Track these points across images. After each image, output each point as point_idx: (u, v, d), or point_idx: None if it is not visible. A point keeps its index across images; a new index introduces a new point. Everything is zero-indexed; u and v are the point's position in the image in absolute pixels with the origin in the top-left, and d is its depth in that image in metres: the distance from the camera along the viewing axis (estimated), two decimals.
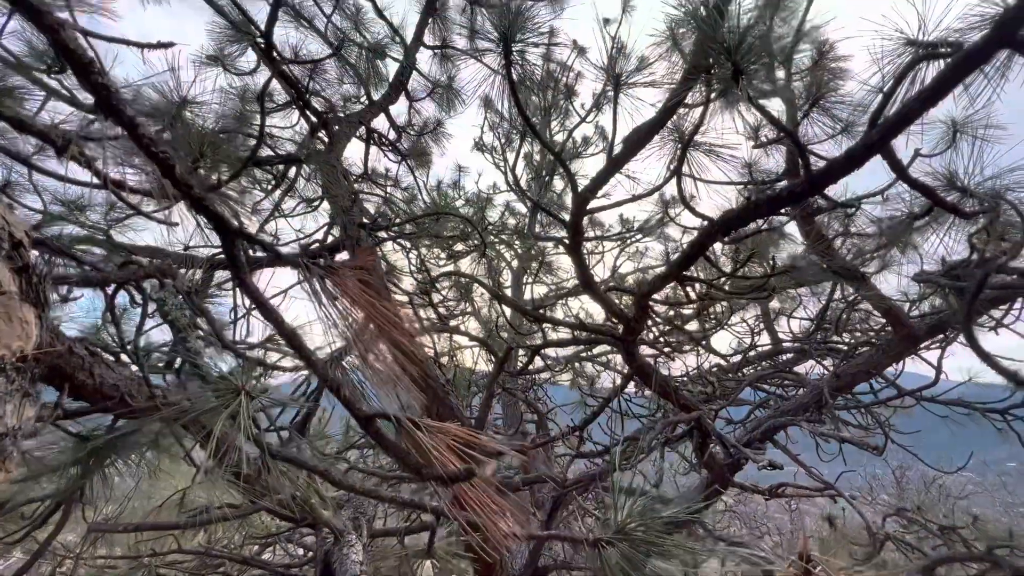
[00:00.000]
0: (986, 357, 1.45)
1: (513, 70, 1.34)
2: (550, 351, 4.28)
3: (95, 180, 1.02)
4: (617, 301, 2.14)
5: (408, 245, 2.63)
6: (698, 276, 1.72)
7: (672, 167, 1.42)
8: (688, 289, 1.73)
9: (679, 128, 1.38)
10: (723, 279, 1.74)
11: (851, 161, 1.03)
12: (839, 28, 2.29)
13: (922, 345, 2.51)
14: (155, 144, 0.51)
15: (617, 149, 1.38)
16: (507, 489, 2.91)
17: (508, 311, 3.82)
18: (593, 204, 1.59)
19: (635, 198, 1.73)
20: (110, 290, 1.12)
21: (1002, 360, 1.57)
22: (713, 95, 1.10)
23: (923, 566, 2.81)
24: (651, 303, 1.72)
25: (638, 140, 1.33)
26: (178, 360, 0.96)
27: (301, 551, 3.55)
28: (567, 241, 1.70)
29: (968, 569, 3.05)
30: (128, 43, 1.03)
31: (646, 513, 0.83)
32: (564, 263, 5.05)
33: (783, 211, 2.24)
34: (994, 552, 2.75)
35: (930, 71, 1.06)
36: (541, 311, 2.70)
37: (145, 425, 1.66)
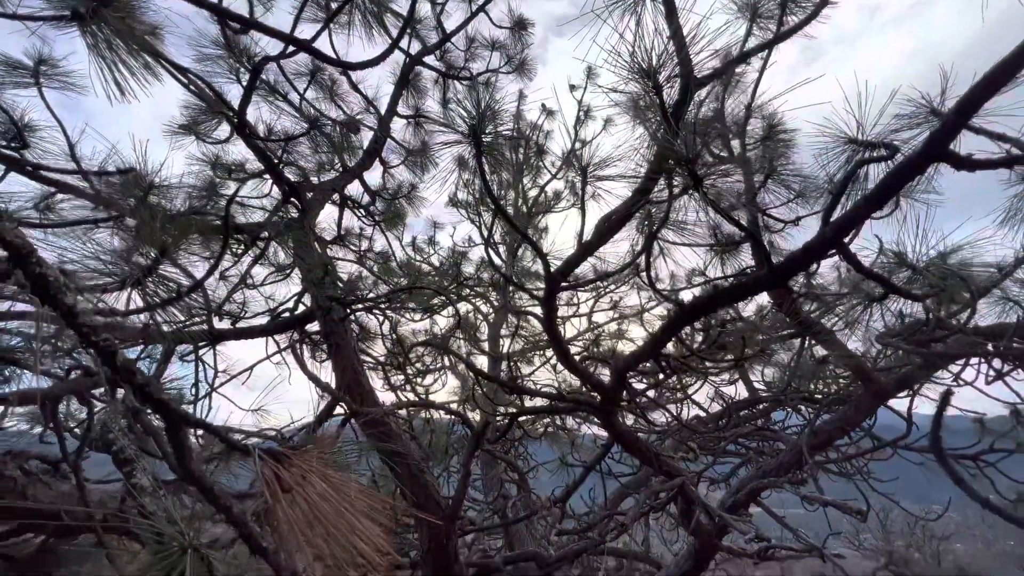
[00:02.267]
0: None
1: (484, 160, 1.38)
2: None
3: None
4: (593, 370, 2.13)
5: (381, 317, 2.59)
6: (672, 354, 1.74)
7: (639, 250, 1.47)
8: (663, 363, 1.75)
9: (648, 213, 1.43)
10: (696, 356, 1.76)
11: (809, 255, 1.08)
12: (785, 104, 2.47)
13: (891, 399, 2.57)
14: (95, 332, 0.48)
15: (588, 235, 1.42)
16: (488, 570, 2.76)
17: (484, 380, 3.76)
18: (565, 283, 1.61)
19: (603, 276, 1.76)
20: (50, 405, 1.05)
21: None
22: (676, 191, 1.16)
23: None
24: (627, 380, 1.71)
25: (608, 229, 1.37)
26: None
27: None
28: (541, 317, 1.70)
29: None
30: (86, 173, 1.01)
31: None
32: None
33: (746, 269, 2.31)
34: None
35: (872, 170, 1.14)
36: (517, 379, 2.66)
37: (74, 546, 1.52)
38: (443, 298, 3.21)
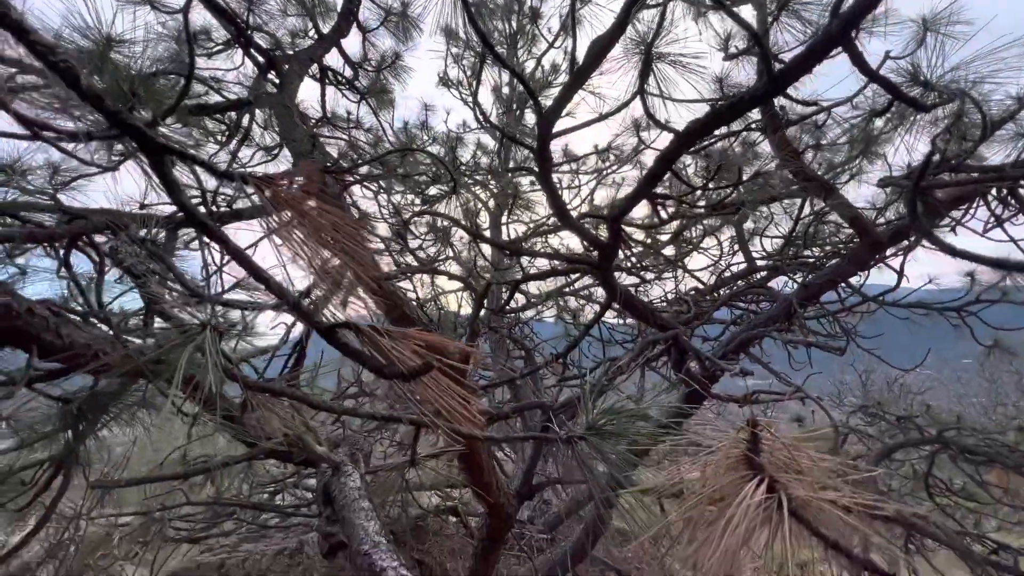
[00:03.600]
0: (950, 250, 1.52)
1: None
2: (532, 288, 4.33)
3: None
4: (592, 229, 2.15)
5: (377, 188, 2.55)
6: (669, 193, 1.72)
7: (638, 81, 1.37)
8: (660, 209, 1.74)
9: (643, 38, 1.31)
10: (693, 194, 1.74)
11: (812, 55, 1.01)
12: None
13: (886, 251, 2.60)
14: (52, 51, 0.46)
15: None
16: (496, 417, 3.04)
17: (487, 249, 3.81)
18: (561, 126, 1.55)
19: (602, 117, 1.68)
20: (62, 248, 1.08)
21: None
22: None
23: (881, 451, 3.10)
24: (624, 227, 1.73)
25: (600, 50, 1.26)
26: (141, 307, 0.95)
27: (309, 495, 3.72)
28: (536, 169, 1.67)
29: (922, 452, 3.37)
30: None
31: (616, 411, 0.89)
32: (541, 200, 4.99)
33: (752, 123, 2.21)
34: (943, 435, 3.04)
35: None
36: (518, 246, 2.69)
37: (126, 385, 1.66)
38: (437, 172, 3.14)
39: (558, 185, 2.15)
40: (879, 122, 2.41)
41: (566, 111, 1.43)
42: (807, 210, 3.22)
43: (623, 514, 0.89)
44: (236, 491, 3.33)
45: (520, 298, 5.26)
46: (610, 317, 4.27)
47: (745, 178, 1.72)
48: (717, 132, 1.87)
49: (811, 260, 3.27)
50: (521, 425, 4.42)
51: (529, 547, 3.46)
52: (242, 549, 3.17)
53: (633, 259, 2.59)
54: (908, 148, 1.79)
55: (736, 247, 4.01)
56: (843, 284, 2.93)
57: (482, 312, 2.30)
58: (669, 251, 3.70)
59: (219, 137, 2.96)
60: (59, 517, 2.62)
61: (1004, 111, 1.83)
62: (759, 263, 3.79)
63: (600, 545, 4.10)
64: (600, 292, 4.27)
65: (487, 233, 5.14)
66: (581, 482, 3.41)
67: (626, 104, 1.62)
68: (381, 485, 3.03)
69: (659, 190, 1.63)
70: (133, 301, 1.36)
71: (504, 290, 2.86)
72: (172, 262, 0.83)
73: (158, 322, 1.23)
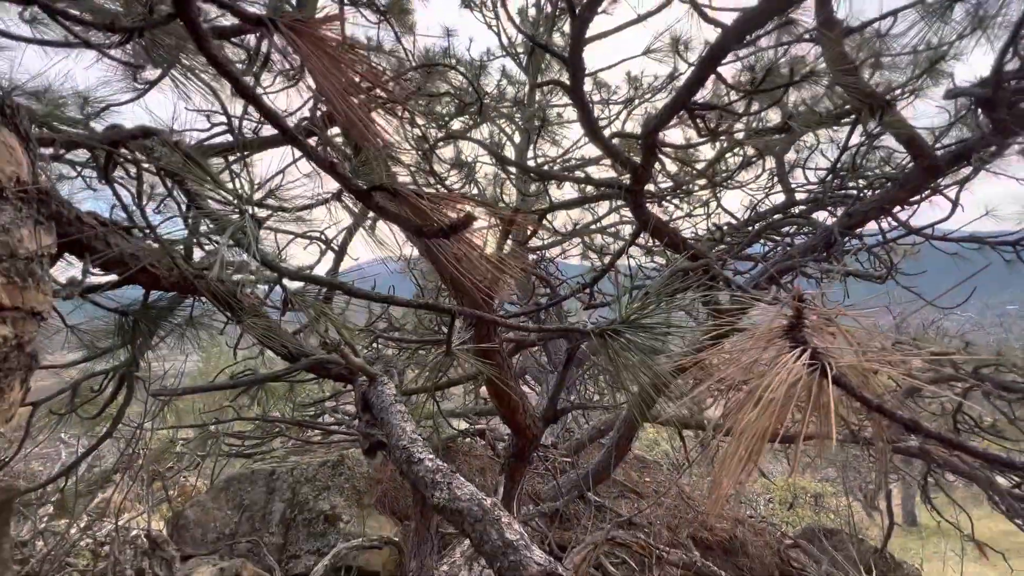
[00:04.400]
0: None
1: None
2: (559, 225, 4.26)
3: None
4: (625, 152, 2.06)
5: (401, 113, 2.47)
6: (712, 103, 1.61)
7: None
8: (701, 124, 1.63)
9: None
10: (738, 100, 1.63)
11: None
12: None
13: (943, 177, 2.42)
14: None
15: None
16: (522, 346, 3.11)
17: (511, 192, 3.72)
18: (596, 31, 1.43)
19: (641, 18, 1.54)
20: (101, 158, 1.10)
21: None
22: None
23: (910, 386, 3.06)
24: (659, 144, 1.64)
25: None
26: (185, 216, 0.97)
27: (348, 416, 3.97)
28: (567, 83, 1.58)
29: (954, 388, 3.31)
30: None
31: (650, 306, 0.89)
32: (570, 133, 4.77)
33: (805, 32, 2.01)
34: (979, 371, 2.96)
35: None
36: (546, 170, 2.60)
37: (176, 300, 1.75)
38: (461, 100, 3.03)
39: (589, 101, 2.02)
40: (948, 30, 2.15)
41: (601, 8, 1.31)
42: (855, 139, 2.99)
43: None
44: (281, 412, 3.59)
45: (546, 236, 5.21)
46: (638, 255, 4.20)
47: (794, 79, 1.58)
48: (765, 39, 1.70)
49: (855, 193, 3.08)
50: (546, 358, 4.53)
51: (553, 468, 3.66)
52: (289, 461, 3.47)
53: (668, 185, 2.50)
54: (977, 65, 1.60)
55: (776, 180, 3.80)
56: (888, 216, 2.76)
57: (508, 245, 2.29)
58: (705, 185, 3.54)
59: (237, 65, 2.90)
60: (125, 427, 2.88)
61: None
62: (799, 196, 3.60)
63: (620, 470, 4.30)
64: (628, 231, 4.17)
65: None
66: (603, 407, 3.52)
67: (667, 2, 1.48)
68: (413, 409, 3.21)
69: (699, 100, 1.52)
70: (172, 219, 1.40)
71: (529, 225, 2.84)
72: (206, 163, 0.84)
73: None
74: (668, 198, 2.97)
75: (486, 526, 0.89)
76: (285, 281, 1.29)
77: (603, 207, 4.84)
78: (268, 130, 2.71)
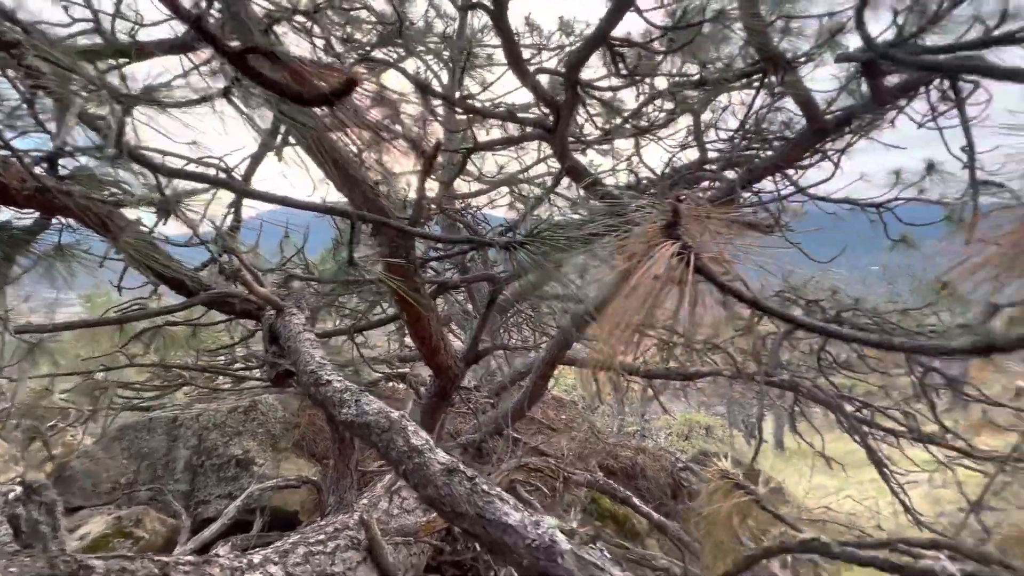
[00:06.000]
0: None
1: None
2: (487, 170, 4.20)
3: None
4: (549, 93, 2.04)
5: (310, 25, 2.24)
6: (630, 39, 1.63)
7: None
8: (620, 63, 1.65)
9: None
10: (657, 39, 1.67)
11: None
12: None
13: (828, 140, 2.69)
14: None
15: None
16: (445, 288, 3.11)
17: (439, 123, 3.57)
18: None
19: None
20: None
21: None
22: None
23: (786, 330, 3.51)
24: (582, 83, 1.65)
25: None
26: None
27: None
28: (489, 5, 1.51)
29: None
30: None
31: (558, 224, 0.93)
32: (499, 78, 4.62)
33: None
34: (841, 314, 3.47)
35: None
36: (471, 104, 2.52)
37: (43, 224, 1.53)
38: (384, 32, 2.80)
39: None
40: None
41: None
42: (759, 103, 3.21)
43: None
44: (182, 357, 3.32)
45: (475, 184, 5.13)
46: (564, 206, 4.28)
47: (709, 17, 1.64)
48: None
49: (759, 152, 3.35)
50: (472, 307, 4.59)
51: (475, 408, 3.80)
52: (194, 408, 3.27)
53: (593, 125, 2.54)
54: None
55: (692, 137, 4.01)
56: (783, 176, 3.06)
57: (431, 183, 2.22)
58: (629, 134, 3.65)
59: None
60: None
61: None
62: (712, 155, 3.84)
63: (539, 409, 4.57)
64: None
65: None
66: (524, 347, 3.67)
67: None
68: (333, 353, 3.12)
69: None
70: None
71: (454, 161, 2.75)
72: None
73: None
74: (593, 146, 3.03)
75: (392, 435, 0.91)
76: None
77: (531, 156, 4.84)
78: (148, 34, 2.34)
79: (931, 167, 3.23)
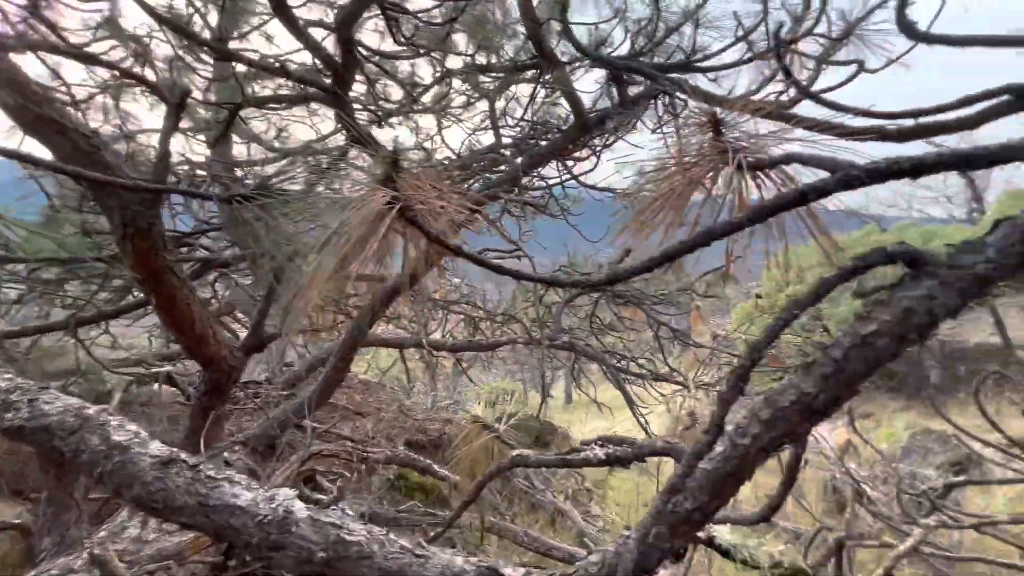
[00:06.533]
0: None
1: None
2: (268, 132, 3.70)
3: None
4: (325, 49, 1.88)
5: None
6: (403, 6, 1.61)
7: None
8: (394, 26, 1.62)
9: None
10: (433, 8, 1.68)
11: None
12: None
13: (592, 136, 3.16)
14: None
15: None
16: (211, 265, 2.65)
17: (196, 73, 2.99)
18: None
19: None
20: None
21: None
22: None
23: (567, 297, 4.05)
24: (356, 43, 1.57)
25: None
26: None
27: None
28: None
29: (592, 297, 4.57)
30: None
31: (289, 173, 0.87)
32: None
33: None
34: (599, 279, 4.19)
35: None
36: (231, 51, 2.12)
37: None
38: None
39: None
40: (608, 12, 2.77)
41: None
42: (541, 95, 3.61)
43: None
44: None
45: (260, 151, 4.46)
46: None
47: None
48: None
49: (539, 140, 3.76)
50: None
51: (266, 404, 3.40)
52: None
53: (377, 95, 2.45)
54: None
55: (487, 124, 4.26)
56: (562, 163, 3.51)
57: (178, 133, 1.84)
58: (426, 110, 3.66)
59: None
60: None
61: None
62: (506, 140, 4.15)
63: (344, 395, 4.34)
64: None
65: None
66: (317, 330, 3.41)
67: None
68: (35, 358, 2.41)
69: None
70: None
71: (219, 116, 2.30)
72: None
73: None
74: (391, 120, 2.95)
75: (84, 434, 0.74)
76: None
77: (327, 125, 4.45)
78: None
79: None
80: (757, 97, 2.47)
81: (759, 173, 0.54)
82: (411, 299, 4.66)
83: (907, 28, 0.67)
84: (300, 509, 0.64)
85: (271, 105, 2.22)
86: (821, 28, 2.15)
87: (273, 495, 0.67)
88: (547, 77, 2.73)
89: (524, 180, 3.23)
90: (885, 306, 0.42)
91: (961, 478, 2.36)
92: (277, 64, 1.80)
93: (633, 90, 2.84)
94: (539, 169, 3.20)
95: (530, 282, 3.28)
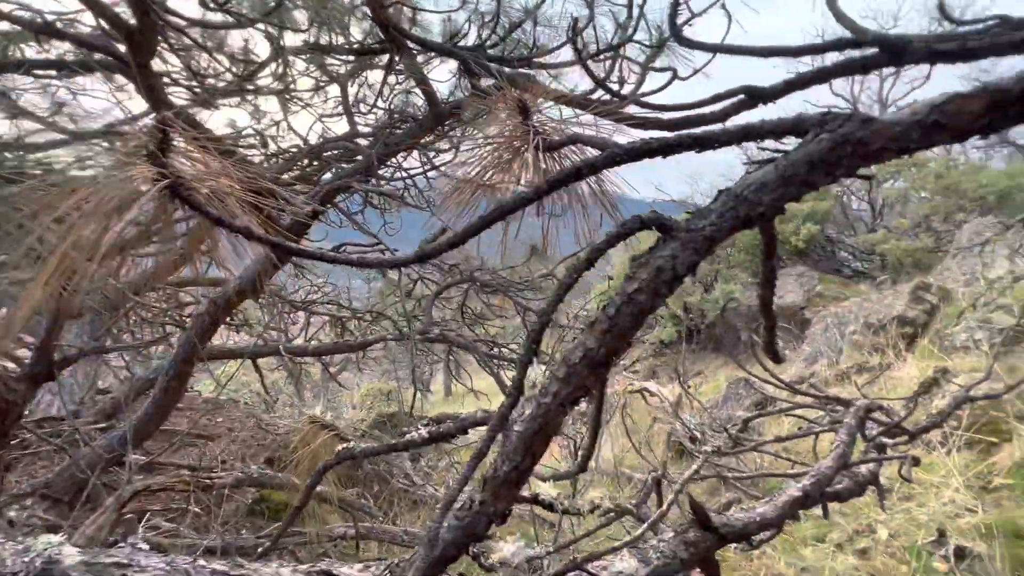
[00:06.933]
0: None
1: None
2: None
3: None
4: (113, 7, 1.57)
5: None
6: None
7: None
8: None
9: None
10: None
11: None
12: None
13: (447, 125, 3.16)
14: None
15: None
16: None
17: None
18: None
19: None
20: None
21: None
22: None
23: (437, 290, 4.03)
24: (153, 1, 1.33)
25: None
26: None
27: None
28: None
29: (461, 288, 4.62)
30: None
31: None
32: None
33: None
34: (474, 274, 4.26)
35: None
36: None
37: None
38: None
39: None
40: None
41: None
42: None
43: None
44: None
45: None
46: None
47: None
48: None
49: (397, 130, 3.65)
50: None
51: (71, 443, 2.78)
52: None
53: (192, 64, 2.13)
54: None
55: (340, 109, 3.99)
56: (422, 152, 3.45)
57: None
58: (270, 92, 3.29)
59: None
60: None
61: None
62: (363, 129, 3.94)
63: (184, 418, 3.76)
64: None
65: None
66: (138, 346, 2.90)
67: None
68: None
69: None
70: None
71: None
72: None
73: None
74: (215, 99, 2.58)
75: None
76: None
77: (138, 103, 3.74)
78: None
79: None
80: (595, 96, 2.72)
81: (554, 154, 0.60)
82: (262, 302, 4.19)
83: (678, 35, 0.80)
84: (70, 555, 0.53)
85: (38, 72, 1.75)
86: (643, 36, 2.43)
87: (28, 546, 0.54)
88: (397, 64, 2.65)
89: (382, 171, 3.11)
90: (644, 267, 0.50)
91: (753, 413, 2.93)
92: (41, 22, 1.44)
93: (486, 82, 2.91)
94: (397, 159, 3.10)
95: (349, 267, 3.20)
